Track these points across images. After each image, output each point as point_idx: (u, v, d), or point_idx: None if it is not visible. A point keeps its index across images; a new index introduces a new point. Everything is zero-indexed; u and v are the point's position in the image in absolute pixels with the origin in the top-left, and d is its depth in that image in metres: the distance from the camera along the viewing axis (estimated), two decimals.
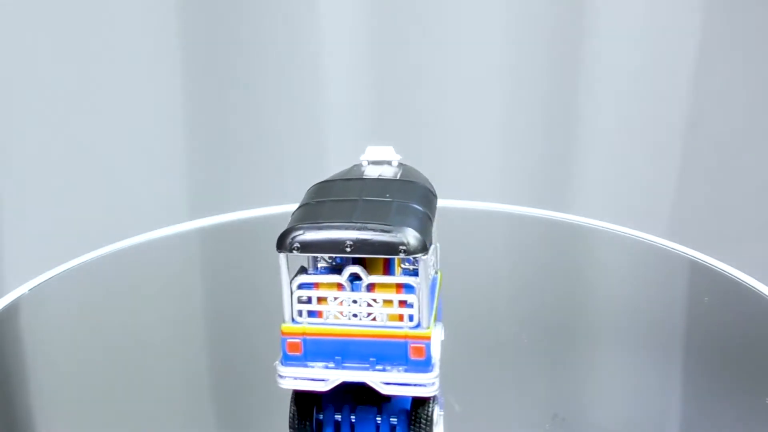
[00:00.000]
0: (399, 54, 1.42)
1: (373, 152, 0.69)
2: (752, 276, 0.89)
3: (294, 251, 0.62)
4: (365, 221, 0.62)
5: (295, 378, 0.65)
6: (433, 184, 0.69)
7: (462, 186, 1.32)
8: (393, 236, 0.62)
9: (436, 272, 0.69)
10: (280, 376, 0.64)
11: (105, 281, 0.94)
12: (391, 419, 0.65)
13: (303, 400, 0.66)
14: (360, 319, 0.65)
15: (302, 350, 0.65)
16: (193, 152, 1.43)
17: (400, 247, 0.62)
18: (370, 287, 0.64)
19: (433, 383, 0.64)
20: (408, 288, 0.64)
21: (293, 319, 0.64)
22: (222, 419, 0.73)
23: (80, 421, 0.72)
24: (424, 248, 0.61)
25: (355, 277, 0.64)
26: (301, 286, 0.64)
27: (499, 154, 1.47)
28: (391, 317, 0.64)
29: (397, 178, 0.69)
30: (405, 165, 0.71)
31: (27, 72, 1.33)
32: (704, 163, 1.47)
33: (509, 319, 0.84)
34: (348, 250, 0.62)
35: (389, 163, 0.69)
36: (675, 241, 0.98)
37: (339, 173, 0.71)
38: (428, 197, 0.67)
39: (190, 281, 0.97)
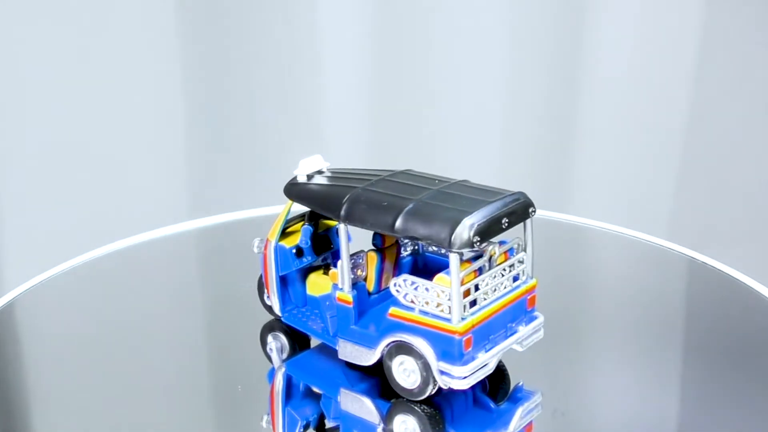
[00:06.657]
0: (398, 55, 1.42)
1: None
2: (751, 276, 0.89)
3: (474, 245, 0.62)
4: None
5: (473, 373, 0.64)
6: None
7: None
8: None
9: None
10: (461, 378, 0.63)
11: (105, 281, 0.94)
12: None
13: None
14: (499, 291, 0.66)
15: (472, 344, 0.63)
16: (193, 152, 1.43)
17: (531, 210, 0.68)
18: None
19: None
20: (511, 251, 0.68)
21: (463, 318, 0.63)
22: (222, 420, 0.73)
23: (80, 421, 0.72)
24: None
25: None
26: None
27: (498, 154, 1.47)
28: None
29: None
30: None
31: (26, 71, 1.34)
32: (704, 163, 1.47)
33: None
34: (504, 226, 0.65)
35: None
36: (674, 242, 0.98)
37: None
38: None
39: (190, 281, 0.97)
